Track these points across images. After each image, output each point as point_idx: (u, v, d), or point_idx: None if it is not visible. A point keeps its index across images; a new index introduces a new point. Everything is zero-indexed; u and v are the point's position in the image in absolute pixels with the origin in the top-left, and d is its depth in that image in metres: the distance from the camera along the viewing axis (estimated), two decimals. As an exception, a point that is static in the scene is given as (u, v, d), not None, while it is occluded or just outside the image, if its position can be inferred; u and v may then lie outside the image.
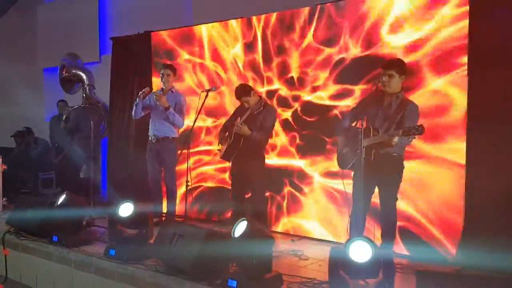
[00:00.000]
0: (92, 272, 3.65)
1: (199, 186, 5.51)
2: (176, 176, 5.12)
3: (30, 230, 4.35)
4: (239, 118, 4.40)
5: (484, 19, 3.64)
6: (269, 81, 4.99)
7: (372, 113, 3.52)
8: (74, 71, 6.75)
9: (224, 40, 5.33)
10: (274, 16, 4.92)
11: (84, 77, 6.76)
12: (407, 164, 3.65)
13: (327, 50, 4.55)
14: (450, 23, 3.84)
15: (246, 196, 4.52)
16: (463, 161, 3.73)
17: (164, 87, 4.92)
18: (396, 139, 3.23)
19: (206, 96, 4.59)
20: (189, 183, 4.53)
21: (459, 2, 3.78)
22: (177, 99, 4.95)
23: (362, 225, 3.56)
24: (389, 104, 3.48)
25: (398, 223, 3.65)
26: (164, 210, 5.22)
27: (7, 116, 8.17)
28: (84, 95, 6.77)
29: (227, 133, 4.48)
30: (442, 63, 3.88)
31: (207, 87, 5.12)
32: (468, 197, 3.68)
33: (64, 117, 6.71)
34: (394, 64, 3.48)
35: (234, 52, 5.25)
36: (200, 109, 4.54)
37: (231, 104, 5.14)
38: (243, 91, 4.38)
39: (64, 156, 6.53)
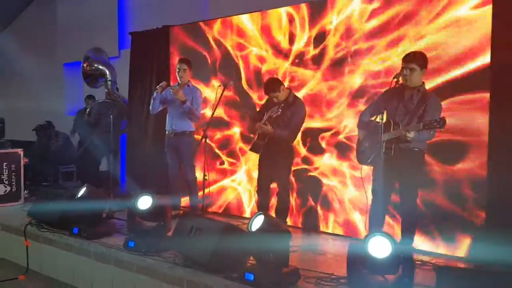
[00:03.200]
0: (112, 263, 3.69)
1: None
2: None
3: (51, 222, 4.42)
4: (265, 114, 4.37)
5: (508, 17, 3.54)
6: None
7: (393, 107, 3.46)
8: (96, 65, 6.81)
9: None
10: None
11: (107, 72, 6.82)
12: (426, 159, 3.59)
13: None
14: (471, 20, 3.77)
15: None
16: (485, 156, 3.66)
17: (180, 82, 4.94)
18: (412, 134, 3.17)
19: (224, 90, 4.60)
20: (206, 177, 4.57)
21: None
22: (193, 93, 4.96)
23: (382, 221, 3.52)
24: (410, 98, 3.43)
25: (418, 218, 3.60)
26: (184, 204, 5.25)
27: (28, 110, 8.31)
28: (106, 90, 6.84)
29: (255, 126, 4.48)
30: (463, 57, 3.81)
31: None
32: (489, 193, 3.61)
33: (87, 111, 6.79)
34: (416, 57, 3.41)
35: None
36: (218, 103, 4.55)
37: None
38: (272, 86, 4.32)
39: (84, 149, 6.62)
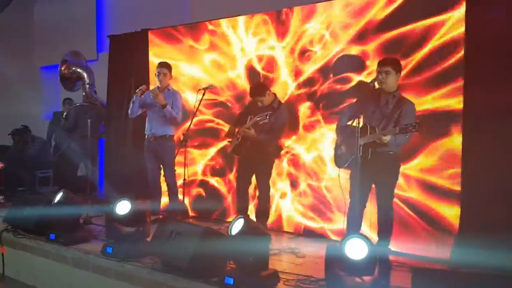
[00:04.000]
0: (90, 270, 3.66)
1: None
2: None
3: (28, 228, 4.35)
4: (249, 118, 4.39)
5: (480, 20, 3.65)
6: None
7: (369, 111, 3.53)
8: (74, 69, 6.73)
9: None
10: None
11: (85, 75, 6.74)
12: (403, 163, 3.66)
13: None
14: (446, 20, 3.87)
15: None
16: (459, 159, 3.76)
17: (160, 85, 4.93)
18: (388, 138, 3.24)
19: (204, 94, 4.61)
20: (186, 181, 4.57)
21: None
22: (173, 97, 4.95)
23: (359, 223, 3.58)
24: (386, 103, 3.49)
25: (394, 221, 3.66)
26: (164, 208, 5.23)
27: (5, 114, 8.14)
28: (84, 93, 6.76)
29: (237, 129, 4.49)
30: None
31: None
32: (464, 195, 3.70)
33: (64, 115, 6.70)
34: (390, 61, 3.49)
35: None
36: (198, 107, 4.56)
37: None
38: (258, 91, 4.36)
39: (61, 154, 6.53)
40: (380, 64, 3.49)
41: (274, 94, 4.51)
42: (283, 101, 4.63)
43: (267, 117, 4.20)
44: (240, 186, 4.57)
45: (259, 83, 4.59)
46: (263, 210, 4.51)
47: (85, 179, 5.67)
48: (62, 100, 7.12)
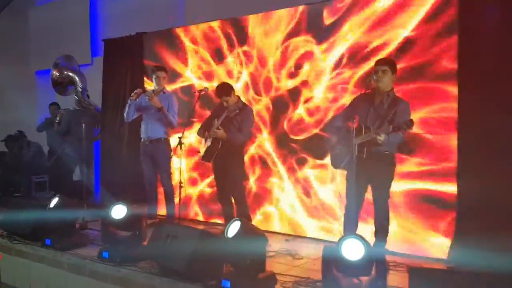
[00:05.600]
0: (86, 275, 3.64)
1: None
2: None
3: (23, 233, 4.32)
4: (216, 120, 4.39)
5: (474, 13, 3.66)
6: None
7: (364, 111, 3.54)
8: (65, 73, 6.69)
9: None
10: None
11: (77, 79, 6.71)
12: (399, 162, 3.66)
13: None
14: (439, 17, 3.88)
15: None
16: (455, 158, 3.76)
17: (155, 88, 4.92)
18: (382, 137, 3.25)
19: (198, 97, 4.61)
20: (182, 185, 4.55)
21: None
22: (169, 99, 4.94)
23: (355, 223, 3.57)
24: (381, 102, 3.50)
25: (391, 221, 3.66)
26: (161, 212, 5.21)
27: (-1, 120, 8.13)
28: (76, 97, 6.73)
29: (206, 133, 4.47)
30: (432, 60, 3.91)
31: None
32: (461, 195, 3.70)
33: (57, 119, 6.67)
34: (387, 61, 3.53)
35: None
36: (193, 110, 4.55)
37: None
38: (224, 90, 4.36)
39: (56, 159, 6.50)
40: (378, 62, 3.52)
41: (238, 96, 4.51)
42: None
43: (237, 110, 4.21)
44: (221, 192, 4.53)
45: (225, 83, 4.58)
46: (242, 213, 4.38)
47: (81, 183, 5.65)
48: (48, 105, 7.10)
